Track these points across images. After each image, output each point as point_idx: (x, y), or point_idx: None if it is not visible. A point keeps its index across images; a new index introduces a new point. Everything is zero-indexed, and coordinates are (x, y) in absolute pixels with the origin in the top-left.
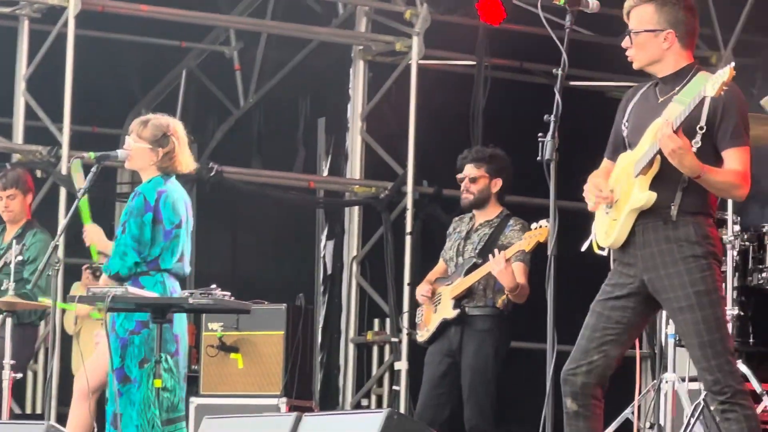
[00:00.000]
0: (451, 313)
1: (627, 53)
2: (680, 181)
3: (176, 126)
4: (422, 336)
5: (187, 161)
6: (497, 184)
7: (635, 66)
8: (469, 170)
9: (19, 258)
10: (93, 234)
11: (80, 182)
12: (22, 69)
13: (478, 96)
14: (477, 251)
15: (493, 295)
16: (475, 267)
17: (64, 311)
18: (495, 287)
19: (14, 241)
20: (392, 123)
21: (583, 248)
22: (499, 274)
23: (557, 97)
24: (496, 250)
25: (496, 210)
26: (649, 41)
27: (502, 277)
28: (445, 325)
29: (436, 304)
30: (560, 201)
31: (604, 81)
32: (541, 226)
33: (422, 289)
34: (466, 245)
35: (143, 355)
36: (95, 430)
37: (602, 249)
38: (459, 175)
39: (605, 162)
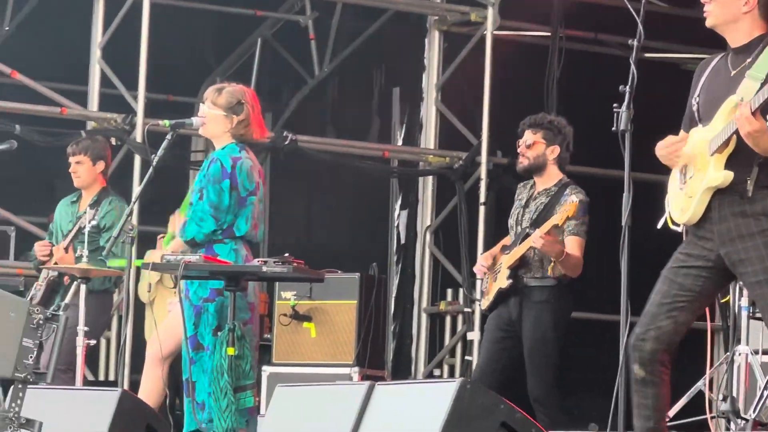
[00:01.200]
0: (505, 283)
1: (705, 8)
2: (756, 156)
3: (251, 94)
4: (484, 304)
5: (261, 129)
6: (554, 151)
7: (708, 23)
8: (527, 135)
9: (94, 223)
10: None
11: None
12: (98, 37)
13: (553, 67)
14: (532, 220)
15: (551, 266)
16: (527, 236)
17: (138, 278)
18: (550, 258)
19: (88, 208)
20: (467, 93)
21: (659, 225)
22: (542, 247)
23: (632, 68)
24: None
25: (555, 178)
26: None
27: (545, 250)
28: (503, 295)
29: (496, 273)
30: (634, 172)
31: (679, 53)
32: (572, 202)
33: (481, 259)
34: (524, 213)
35: (217, 323)
36: (167, 396)
37: (677, 225)
38: (519, 140)
39: (682, 134)
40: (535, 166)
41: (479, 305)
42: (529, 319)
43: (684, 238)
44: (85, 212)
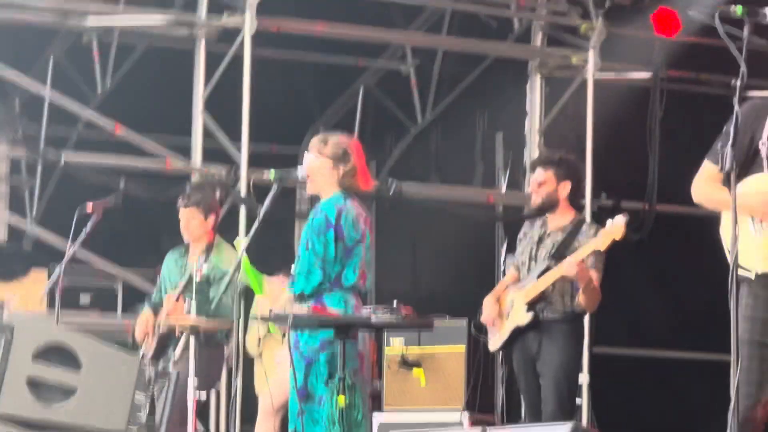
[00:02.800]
0: (525, 317)
1: None
2: None
3: (356, 144)
4: (494, 343)
5: (366, 179)
6: (565, 187)
7: None
8: (538, 173)
9: (205, 273)
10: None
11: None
12: (200, 90)
13: (655, 108)
14: (551, 255)
15: (571, 301)
16: (548, 270)
17: (246, 332)
18: (572, 292)
19: (200, 259)
20: (569, 136)
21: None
22: (577, 274)
23: (736, 107)
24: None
25: (569, 215)
26: None
27: (580, 277)
28: (519, 332)
29: (508, 311)
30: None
31: None
32: (616, 224)
33: (488, 309)
34: (540, 249)
35: (328, 372)
36: None
37: (746, 270)
38: (531, 179)
39: (709, 166)
40: (547, 204)
41: (489, 346)
42: (552, 348)
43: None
44: (195, 264)
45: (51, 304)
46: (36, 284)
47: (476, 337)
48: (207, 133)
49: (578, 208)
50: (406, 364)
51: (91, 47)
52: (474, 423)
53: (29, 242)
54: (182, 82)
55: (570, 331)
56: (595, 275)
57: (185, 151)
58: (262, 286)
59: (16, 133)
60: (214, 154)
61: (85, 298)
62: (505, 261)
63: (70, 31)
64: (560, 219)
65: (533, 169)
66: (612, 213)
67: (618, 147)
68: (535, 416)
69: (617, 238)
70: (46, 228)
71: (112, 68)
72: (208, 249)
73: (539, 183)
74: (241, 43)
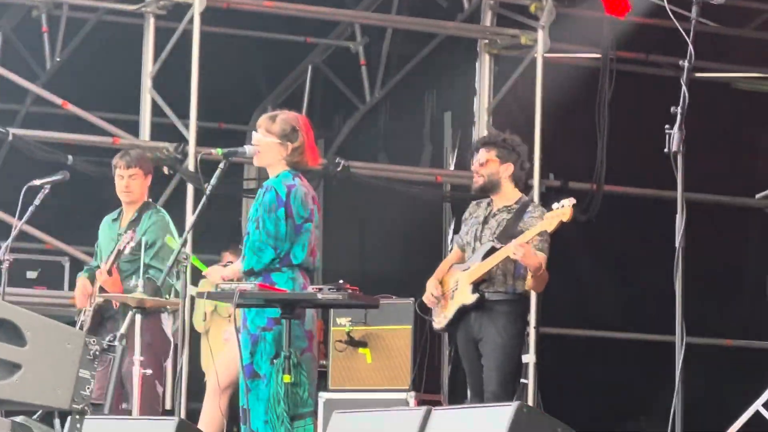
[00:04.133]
0: (470, 298)
1: None
2: None
3: (304, 121)
4: (439, 323)
5: (314, 156)
6: (508, 168)
7: None
8: (481, 154)
9: (132, 245)
10: (215, 274)
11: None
12: (148, 66)
13: (604, 88)
14: (495, 236)
15: (513, 281)
16: (493, 251)
17: (192, 309)
18: (515, 273)
19: (125, 229)
20: (518, 116)
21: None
22: (523, 257)
23: (684, 89)
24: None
25: (514, 196)
26: None
27: (525, 260)
28: (463, 311)
29: (453, 290)
30: (687, 193)
31: (729, 72)
32: (563, 206)
33: (431, 288)
34: (484, 230)
35: (274, 351)
36: (225, 427)
37: None
38: (472, 160)
39: None
40: (489, 184)
41: (434, 325)
42: (494, 328)
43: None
44: (125, 231)
45: None
46: None
47: (421, 317)
48: (155, 110)
49: (525, 189)
50: (353, 343)
51: (40, 22)
52: (420, 403)
53: None
54: (131, 59)
55: (511, 311)
56: (541, 257)
57: (134, 128)
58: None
59: None
60: (162, 130)
61: (31, 275)
62: (451, 241)
63: (19, 6)
64: (505, 200)
65: (476, 149)
66: (560, 193)
67: (566, 127)
68: (479, 397)
69: (565, 220)
70: None
71: (61, 44)
72: (140, 212)
73: (481, 163)
74: (191, 20)
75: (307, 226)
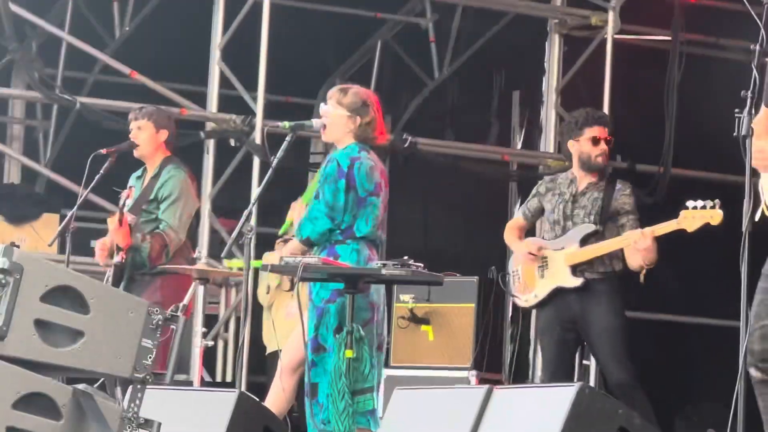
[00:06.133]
0: (571, 281)
1: None
2: None
3: (374, 96)
4: (528, 301)
5: (382, 133)
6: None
7: None
8: (600, 131)
9: (129, 202)
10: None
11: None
12: (217, 38)
13: (673, 71)
14: (592, 217)
15: (611, 261)
16: (595, 234)
17: (257, 281)
18: (613, 253)
19: (137, 181)
20: (586, 97)
21: (757, 218)
22: (645, 251)
23: (754, 72)
24: (641, 230)
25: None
26: None
27: (646, 254)
28: (559, 292)
29: (541, 268)
30: (754, 178)
31: None
32: (709, 208)
33: (531, 247)
34: (575, 209)
35: (338, 323)
36: (294, 405)
37: None
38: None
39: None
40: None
41: (517, 302)
42: (599, 311)
43: None
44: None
45: (62, 248)
46: (47, 228)
47: (505, 291)
48: (223, 82)
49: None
50: (415, 320)
51: None
52: (481, 382)
53: (42, 185)
54: (200, 30)
55: (612, 290)
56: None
57: (201, 99)
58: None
59: (32, 76)
60: (229, 102)
61: (95, 243)
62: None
63: None
64: (590, 176)
65: (591, 125)
66: (627, 175)
67: (634, 109)
68: (553, 377)
69: (714, 224)
70: (59, 172)
71: (131, 13)
72: (161, 167)
73: (606, 141)
74: None
75: (372, 199)
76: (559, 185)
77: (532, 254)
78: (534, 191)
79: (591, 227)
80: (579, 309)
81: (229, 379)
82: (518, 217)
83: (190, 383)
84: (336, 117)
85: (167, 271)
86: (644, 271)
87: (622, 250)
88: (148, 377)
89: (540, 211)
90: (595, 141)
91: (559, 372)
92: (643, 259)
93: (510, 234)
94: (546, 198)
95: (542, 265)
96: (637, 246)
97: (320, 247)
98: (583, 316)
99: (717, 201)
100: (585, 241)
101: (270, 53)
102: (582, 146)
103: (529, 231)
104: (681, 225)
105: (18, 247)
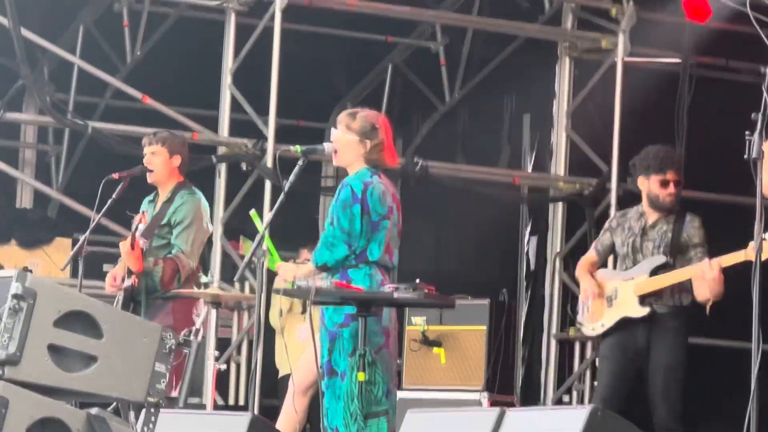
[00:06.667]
0: (639, 311)
1: None
2: None
3: (384, 120)
4: (594, 330)
5: (393, 156)
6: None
7: None
8: (672, 175)
9: (142, 227)
10: (287, 273)
11: (260, 226)
12: (229, 62)
13: (683, 94)
14: (661, 249)
15: (680, 294)
16: (665, 266)
17: (269, 305)
18: (681, 286)
19: (150, 205)
20: (597, 120)
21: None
22: (712, 282)
23: (765, 95)
24: (708, 259)
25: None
26: None
27: (713, 285)
28: (626, 322)
29: (610, 298)
30: (765, 199)
31: None
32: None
33: (590, 287)
34: (644, 242)
35: (352, 348)
36: (307, 427)
37: None
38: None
39: None
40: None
41: (584, 330)
42: (662, 347)
43: None
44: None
45: (74, 272)
46: (60, 252)
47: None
48: (234, 106)
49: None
50: (427, 342)
51: (121, 16)
52: (493, 403)
53: (54, 210)
54: (211, 54)
55: (679, 326)
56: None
57: (212, 124)
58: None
59: (44, 101)
60: (241, 127)
61: (108, 268)
62: (528, 242)
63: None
64: (660, 210)
65: (663, 169)
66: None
67: (645, 132)
68: (601, 401)
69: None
70: (71, 196)
71: (142, 38)
72: (174, 192)
73: (675, 183)
74: (272, 16)
75: (384, 223)
76: (628, 219)
77: (594, 293)
78: (606, 226)
79: (662, 259)
80: (644, 341)
81: (241, 402)
82: (591, 253)
83: (203, 407)
84: (346, 142)
85: (180, 295)
86: (711, 303)
87: (690, 282)
88: (161, 401)
89: (611, 247)
90: (665, 183)
91: (611, 401)
92: (710, 291)
93: (582, 270)
94: (617, 232)
95: (611, 295)
96: (704, 276)
97: (333, 271)
98: (646, 349)
99: None
100: (655, 272)
101: (281, 77)
102: (651, 186)
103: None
104: (749, 256)
105: (31, 271)
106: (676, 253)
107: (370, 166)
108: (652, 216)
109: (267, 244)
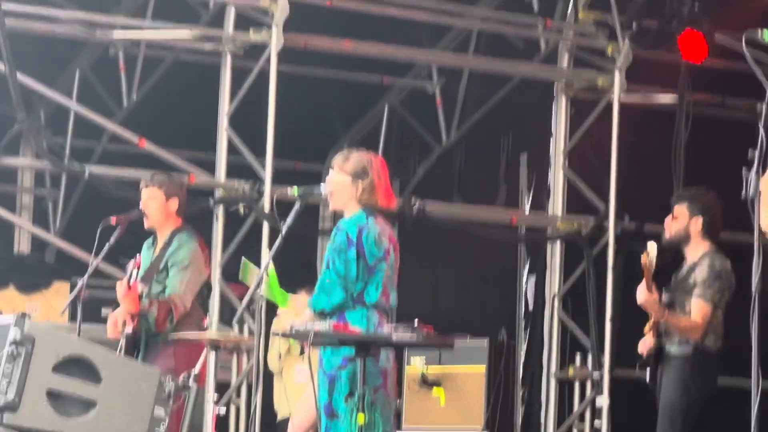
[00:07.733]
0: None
1: None
2: None
3: (378, 161)
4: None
5: (388, 197)
6: (697, 222)
7: None
8: (675, 209)
9: (137, 272)
10: (287, 318)
11: (253, 279)
12: (225, 105)
13: (680, 131)
14: (671, 289)
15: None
16: (671, 304)
17: (267, 351)
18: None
19: (148, 251)
20: (594, 158)
21: None
22: (643, 303)
23: (761, 132)
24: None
25: (701, 249)
26: None
27: (646, 307)
28: (647, 363)
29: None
30: (763, 237)
31: None
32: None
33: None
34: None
35: (349, 389)
36: None
37: None
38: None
39: None
40: (676, 239)
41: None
42: (665, 383)
43: None
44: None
45: (73, 316)
46: (58, 296)
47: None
48: (231, 149)
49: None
50: (427, 383)
51: (117, 60)
52: None
53: (52, 254)
54: (207, 97)
55: (682, 366)
56: (698, 305)
57: (209, 166)
58: (286, 301)
59: (41, 145)
60: (238, 169)
61: (106, 312)
62: (527, 282)
63: (96, 44)
64: (694, 253)
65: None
66: (636, 236)
67: (642, 170)
68: None
69: (650, 258)
70: (69, 240)
71: (138, 82)
72: (172, 237)
73: (673, 217)
74: (268, 59)
75: (381, 266)
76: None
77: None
78: None
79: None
80: (660, 377)
81: None
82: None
83: None
84: (339, 184)
85: (182, 338)
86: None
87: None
88: None
89: None
90: (667, 219)
91: None
92: (649, 312)
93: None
94: None
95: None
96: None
97: (329, 316)
98: (659, 386)
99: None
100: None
101: (277, 119)
102: None
103: None
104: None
105: (29, 317)
106: (679, 291)
107: (364, 207)
108: (688, 258)
109: (273, 281)
